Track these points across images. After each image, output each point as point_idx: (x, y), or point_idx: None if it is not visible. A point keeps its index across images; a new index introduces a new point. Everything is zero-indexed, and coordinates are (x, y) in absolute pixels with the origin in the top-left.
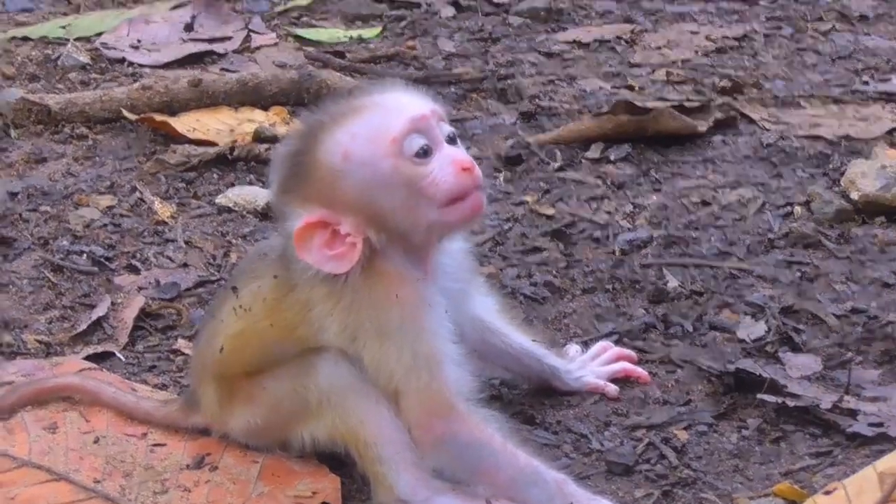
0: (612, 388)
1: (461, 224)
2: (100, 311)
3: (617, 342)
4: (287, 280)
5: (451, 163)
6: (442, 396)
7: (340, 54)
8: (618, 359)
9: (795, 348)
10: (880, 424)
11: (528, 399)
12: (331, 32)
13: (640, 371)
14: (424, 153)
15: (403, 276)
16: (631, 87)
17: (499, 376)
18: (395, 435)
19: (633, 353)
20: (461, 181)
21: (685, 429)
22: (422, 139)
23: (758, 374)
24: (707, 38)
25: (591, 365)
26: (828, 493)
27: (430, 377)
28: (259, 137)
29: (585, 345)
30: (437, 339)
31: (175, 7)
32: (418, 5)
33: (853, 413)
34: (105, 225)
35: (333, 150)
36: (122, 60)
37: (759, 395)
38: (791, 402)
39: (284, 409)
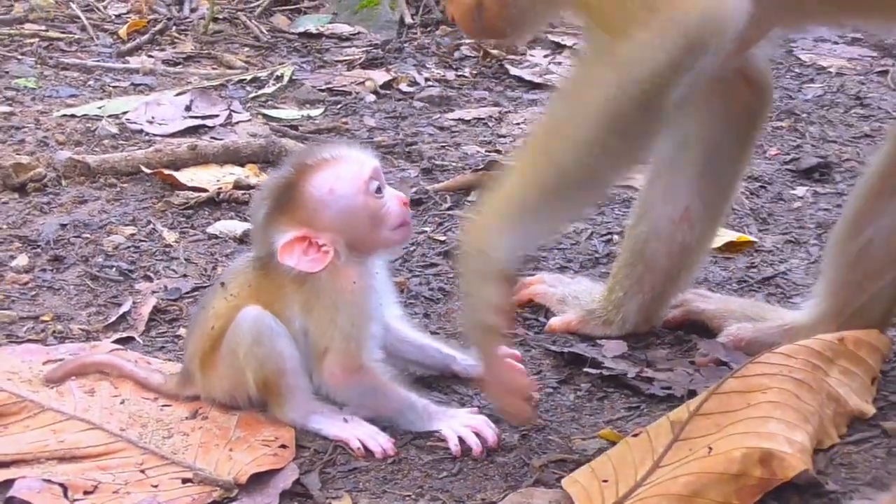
0: None
1: (401, 242)
2: (125, 308)
3: None
4: (265, 272)
5: (395, 198)
6: (357, 357)
7: (295, 127)
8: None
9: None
10: (669, 388)
11: (431, 379)
12: (288, 112)
13: (519, 366)
14: (379, 191)
15: (361, 272)
16: (499, 151)
17: (411, 369)
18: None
19: (518, 353)
20: (403, 211)
21: (537, 390)
22: (377, 182)
23: (584, 354)
24: None
25: None
26: (636, 435)
27: (355, 343)
28: (238, 186)
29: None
30: (370, 319)
31: (178, 94)
32: (349, 93)
33: (650, 380)
34: (129, 247)
35: (321, 186)
36: (141, 131)
37: (584, 369)
38: (606, 373)
39: (230, 364)
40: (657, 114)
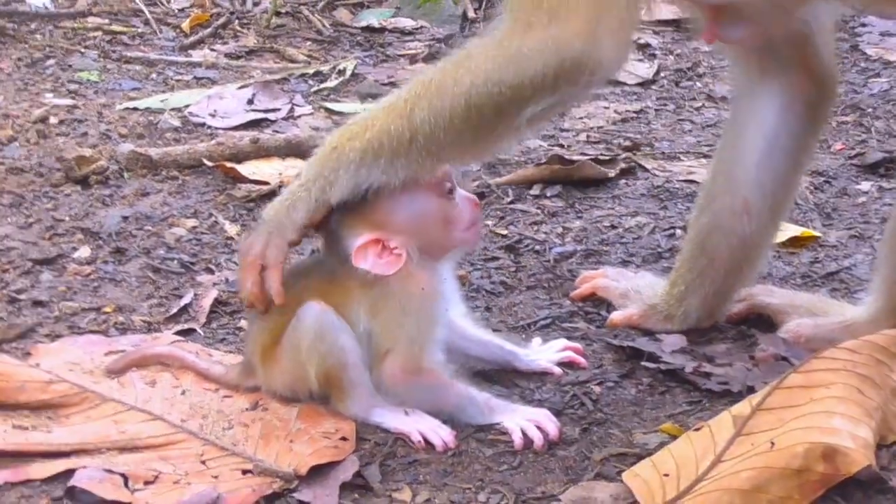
0: (557, 370)
1: (471, 242)
2: (186, 300)
3: (549, 324)
4: (331, 274)
5: (466, 199)
6: (419, 360)
7: None
8: (566, 349)
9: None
10: (726, 383)
11: (493, 373)
12: (350, 105)
13: (581, 359)
14: (451, 193)
15: (430, 276)
16: (562, 145)
17: (472, 364)
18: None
19: (579, 347)
20: (475, 213)
21: (598, 384)
22: (450, 184)
23: (642, 348)
24: (615, 111)
25: (545, 352)
26: (697, 430)
27: (419, 347)
28: None
29: (529, 326)
30: (436, 323)
31: (241, 87)
32: None
33: (708, 375)
34: (190, 240)
35: (396, 188)
36: (203, 124)
37: (642, 363)
38: (664, 367)
39: (291, 358)
40: (509, 122)
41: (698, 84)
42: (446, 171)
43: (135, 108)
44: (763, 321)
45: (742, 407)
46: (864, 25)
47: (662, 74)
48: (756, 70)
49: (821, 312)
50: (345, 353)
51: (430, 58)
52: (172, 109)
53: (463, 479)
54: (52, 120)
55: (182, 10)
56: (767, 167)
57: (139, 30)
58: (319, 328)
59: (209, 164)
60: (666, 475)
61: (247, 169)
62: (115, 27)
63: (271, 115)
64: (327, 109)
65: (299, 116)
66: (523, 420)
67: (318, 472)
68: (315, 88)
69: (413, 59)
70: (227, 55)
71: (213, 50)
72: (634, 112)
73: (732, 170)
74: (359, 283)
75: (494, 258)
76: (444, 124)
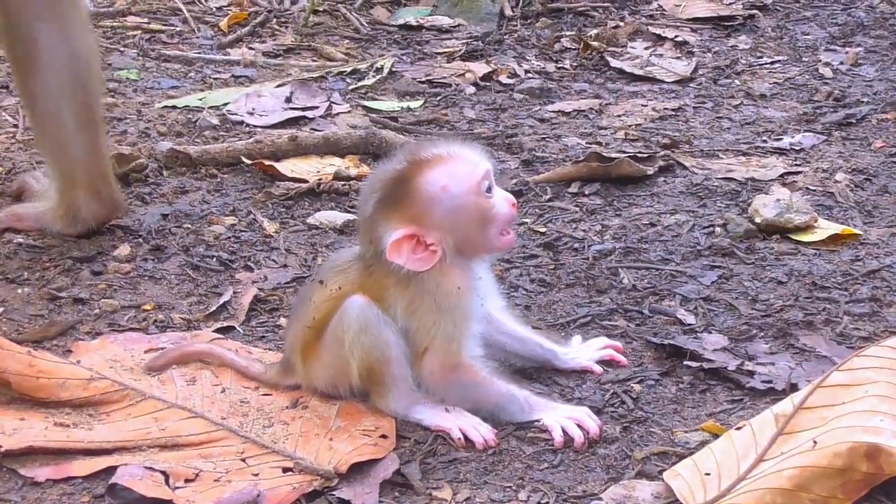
0: (598, 368)
1: (504, 249)
2: (225, 298)
3: (589, 322)
4: (369, 271)
5: (505, 198)
6: (457, 356)
7: (395, 119)
8: (606, 347)
9: (711, 328)
10: (770, 381)
11: (533, 371)
12: (388, 104)
13: (621, 357)
14: (489, 191)
15: (465, 274)
16: (599, 143)
17: (511, 361)
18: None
19: (619, 345)
20: (511, 212)
21: (639, 383)
22: (488, 182)
23: (684, 346)
24: (653, 109)
25: (584, 350)
26: (739, 428)
27: (457, 343)
28: (338, 177)
29: (568, 324)
30: (472, 320)
31: (279, 86)
32: (449, 85)
33: (751, 373)
34: (229, 237)
35: (435, 183)
36: (242, 122)
37: (684, 362)
38: (707, 366)
39: (334, 353)
40: None
41: (736, 82)
42: (486, 168)
43: (174, 107)
44: (805, 319)
45: (784, 405)
46: None
47: (700, 72)
48: None
49: None
50: (389, 348)
51: (468, 55)
52: (211, 108)
53: (503, 478)
54: None
55: (220, 8)
56: None
57: (178, 28)
58: (364, 321)
59: (248, 161)
60: (707, 474)
61: (285, 167)
62: (154, 26)
63: (309, 113)
64: (365, 107)
65: (337, 114)
66: (564, 418)
67: (359, 470)
68: (353, 86)
69: (450, 58)
70: (265, 53)
71: (251, 48)
72: (672, 110)
73: None
74: (395, 280)
75: (533, 256)
76: None
